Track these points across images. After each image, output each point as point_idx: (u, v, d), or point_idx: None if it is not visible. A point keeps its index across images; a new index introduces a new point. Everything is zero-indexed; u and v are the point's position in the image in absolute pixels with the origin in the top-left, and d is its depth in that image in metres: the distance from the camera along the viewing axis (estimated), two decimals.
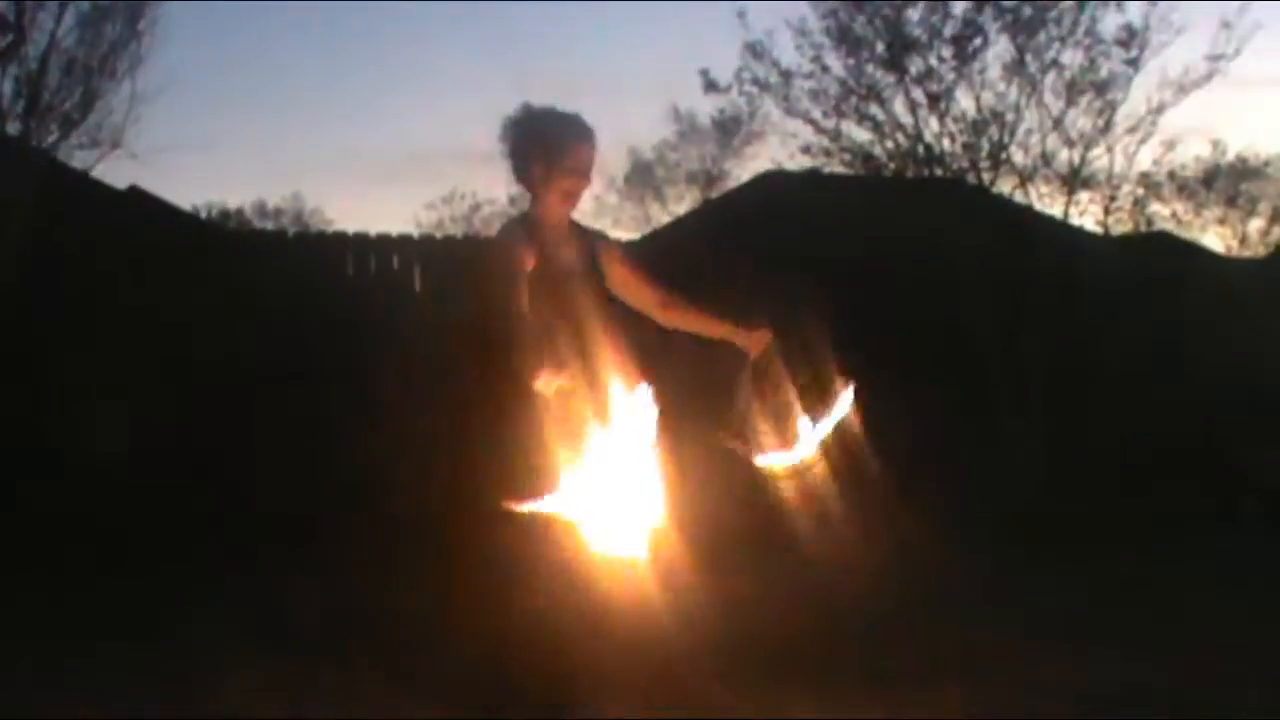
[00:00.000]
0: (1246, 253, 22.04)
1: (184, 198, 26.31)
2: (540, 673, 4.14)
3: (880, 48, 12.64)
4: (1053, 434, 9.62)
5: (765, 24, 13.04)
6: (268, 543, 7.24)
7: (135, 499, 7.33)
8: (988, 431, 9.51)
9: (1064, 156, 12.79)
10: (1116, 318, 10.30)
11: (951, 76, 12.54)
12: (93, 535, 7.03)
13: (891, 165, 12.88)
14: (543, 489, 3.77)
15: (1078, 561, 7.31)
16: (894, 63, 12.54)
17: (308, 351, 8.29)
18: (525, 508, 3.82)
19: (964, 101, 12.61)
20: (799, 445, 4.08)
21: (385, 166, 47.71)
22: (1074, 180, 12.83)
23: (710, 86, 13.76)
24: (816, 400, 4.12)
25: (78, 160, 11.68)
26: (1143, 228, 14.75)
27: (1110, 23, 12.43)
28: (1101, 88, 12.54)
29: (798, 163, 13.09)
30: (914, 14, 12.55)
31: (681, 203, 25.30)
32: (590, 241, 4.21)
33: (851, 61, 12.75)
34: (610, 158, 25.17)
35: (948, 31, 12.47)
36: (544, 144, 4.06)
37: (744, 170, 22.70)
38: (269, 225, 29.76)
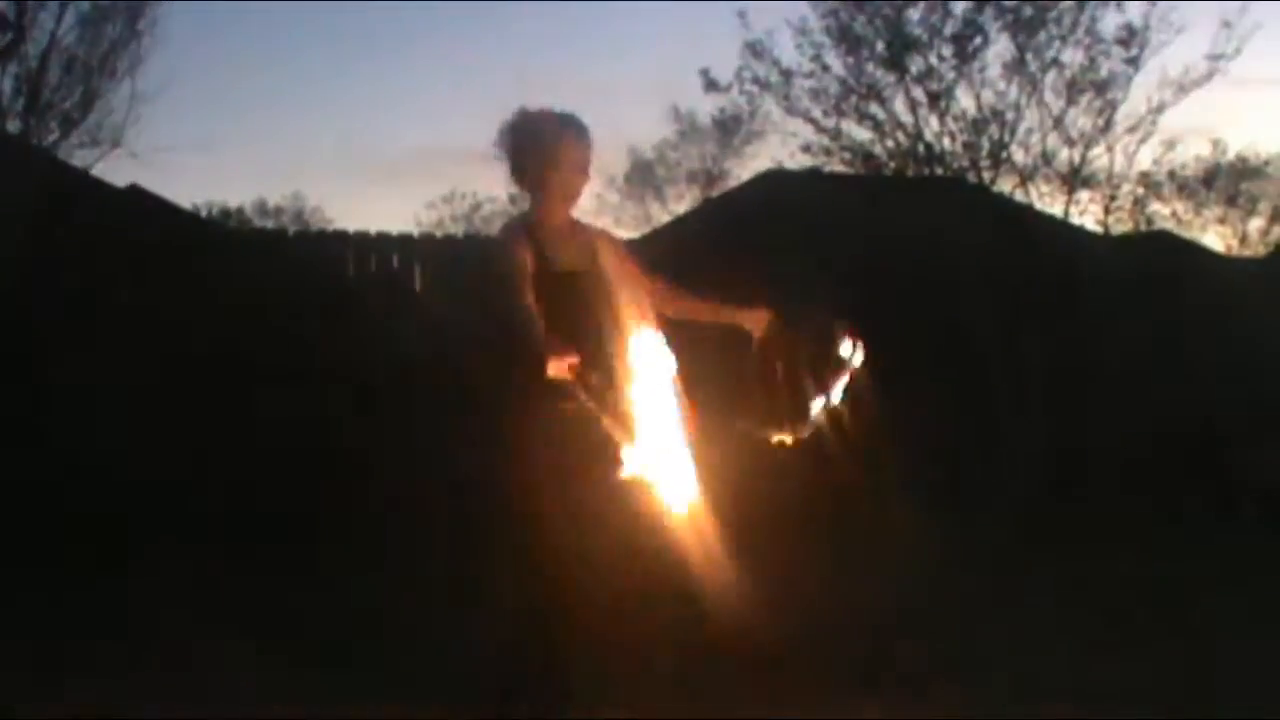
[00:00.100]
0: (1247, 252, 22.04)
1: (184, 197, 26.29)
2: (540, 672, 4.15)
3: (880, 47, 12.69)
4: (1052, 433, 9.62)
5: (766, 23, 13.12)
6: (268, 543, 7.24)
7: (135, 498, 7.33)
8: (988, 431, 9.50)
9: (1064, 156, 12.86)
10: (1116, 317, 10.29)
11: (952, 75, 12.60)
12: (93, 535, 7.03)
13: (892, 164, 12.91)
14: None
15: (1077, 561, 7.31)
16: (894, 62, 12.58)
17: (308, 350, 8.28)
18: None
19: (964, 100, 12.68)
20: (813, 416, 4.11)
21: (386, 165, 47.72)
22: (1074, 179, 12.88)
23: (711, 86, 13.82)
24: (826, 369, 4.14)
25: (78, 159, 11.73)
26: (1143, 227, 14.79)
27: (1110, 22, 12.49)
28: (1102, 87, 12.59)
29: (798, 162, 13.14)
30: (914, 13, 12.61)
31: (682, 202, 25.36)
32: (591, 239, 4.23)
33: (852, 61, 12.81)
34: (611, 157, 25.18)
35: (948, 31, 12.52)
36: (540, 143, 4.10)
37: (744, 169, 22.72)
38: (269, 224, 29.79)
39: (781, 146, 13.73)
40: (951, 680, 4.97)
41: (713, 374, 3.99)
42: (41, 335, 7.72)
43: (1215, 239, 21.67)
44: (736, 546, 4.96)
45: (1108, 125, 12.80)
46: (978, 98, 12.64)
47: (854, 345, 4.16)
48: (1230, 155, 21.93)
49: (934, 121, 12.77)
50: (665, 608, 5.46)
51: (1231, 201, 22.62)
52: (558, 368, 3.73)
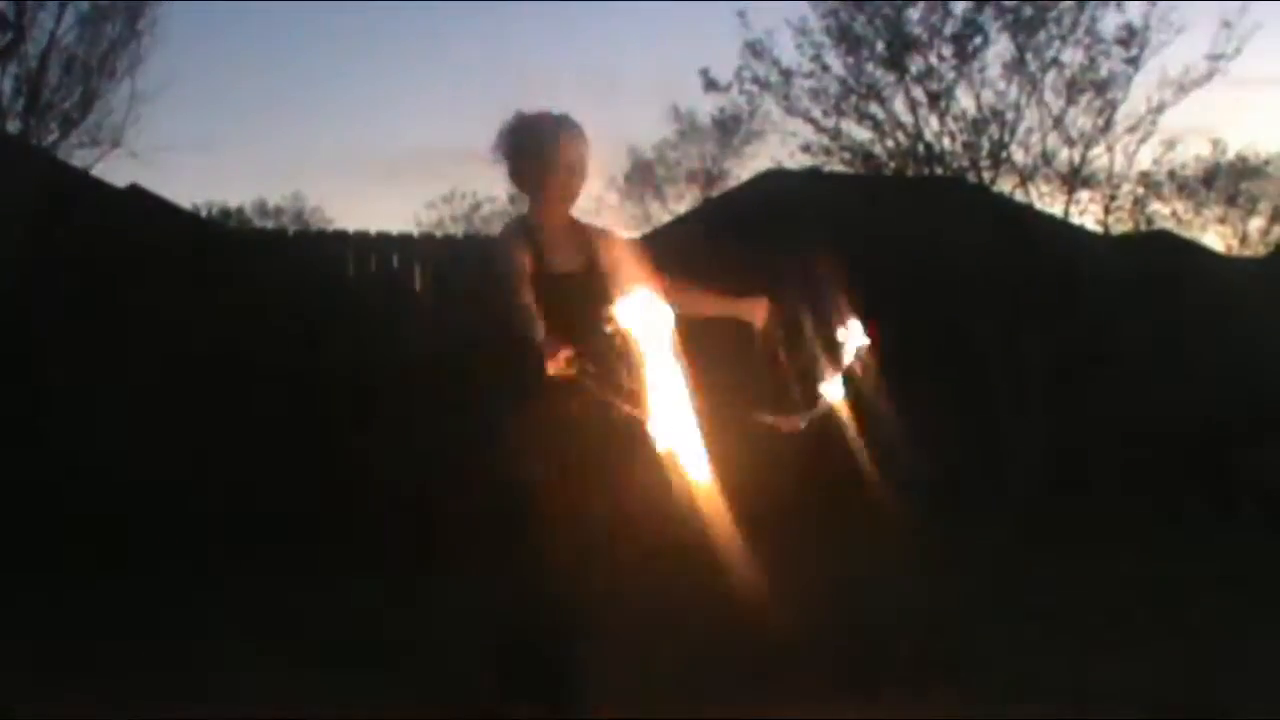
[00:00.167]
0: (1247, 252, 22.06)
1: (184, 197, 26.30)
2: (539, 671, 4.16)
3: (880, 47, 12.66)
4: (1052, 433, 9.62)
5: (765, 23, 13.06)
6: (268, 543, 7.24)
7: (135, 498, 7.32)
8: (988, 431, 9.50)
9: (1064, 155, 12.82)
10: (1116, 317, 10.29)
11: (952, 75, 12.56)
12: (93, 535, 7.03)
13: (892, 164, 12.89)
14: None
15: (1077, 560, 7.31)
16: (894, 62, 12.56)
17: (307, 350, 8.28)
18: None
19: (964, 100, 12.63)
20: (821, 401, 4.12)
21: (386, 165, 47.75)
22: (1074, 179, 12.85)
23: (710, 85, 13.78)
24: (827, 354, 4.17)
25: (78, 159, 11.73)
26: (1143, 227, 14.77)
27: (1110, 22, 12.45)
28: (1102, 87, 12.56)
29: (798, 161, 13.11)
30: (914, 13, 12.57)
31: (682, 202, 25.37)
32: (592, 239, 4.24)
33: (852, 60, 12.77)
34: (611, 157, 25.20)
35: (948, 30, 12.49)
36: (536, 146, 4.16)
37: (744, 169, 22.75)
38: (269, 224, 29.81)
39: (781, 146, 13.70)
40: (951, 680, 4.97)
41: (722, 367, 4.01)
42: (41, 335, 7.71)
43: (1215, 239, 21.71)
44: (736, 546, 4.97)
45: (1108, 125, 12.77)
46: (978, 98, 12.61)
47: (854, 328, 4.16)
48: (1230, 155, 21.96)
49: (934, 121, 12.75)
50: (672, 603, 5.50)
51: (1231, 201, 22.63)
52: (556, 365, 3.75)
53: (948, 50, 12.52)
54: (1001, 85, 12.56)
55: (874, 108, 12.87)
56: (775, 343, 4.25)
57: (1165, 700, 4.72)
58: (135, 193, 9.07)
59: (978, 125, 12.59)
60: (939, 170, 12.70)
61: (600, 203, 25.77)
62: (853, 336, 4.14)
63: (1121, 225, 14.13)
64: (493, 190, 28.79)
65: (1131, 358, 10.09)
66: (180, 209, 9.74)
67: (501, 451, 4.12)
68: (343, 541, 7.29)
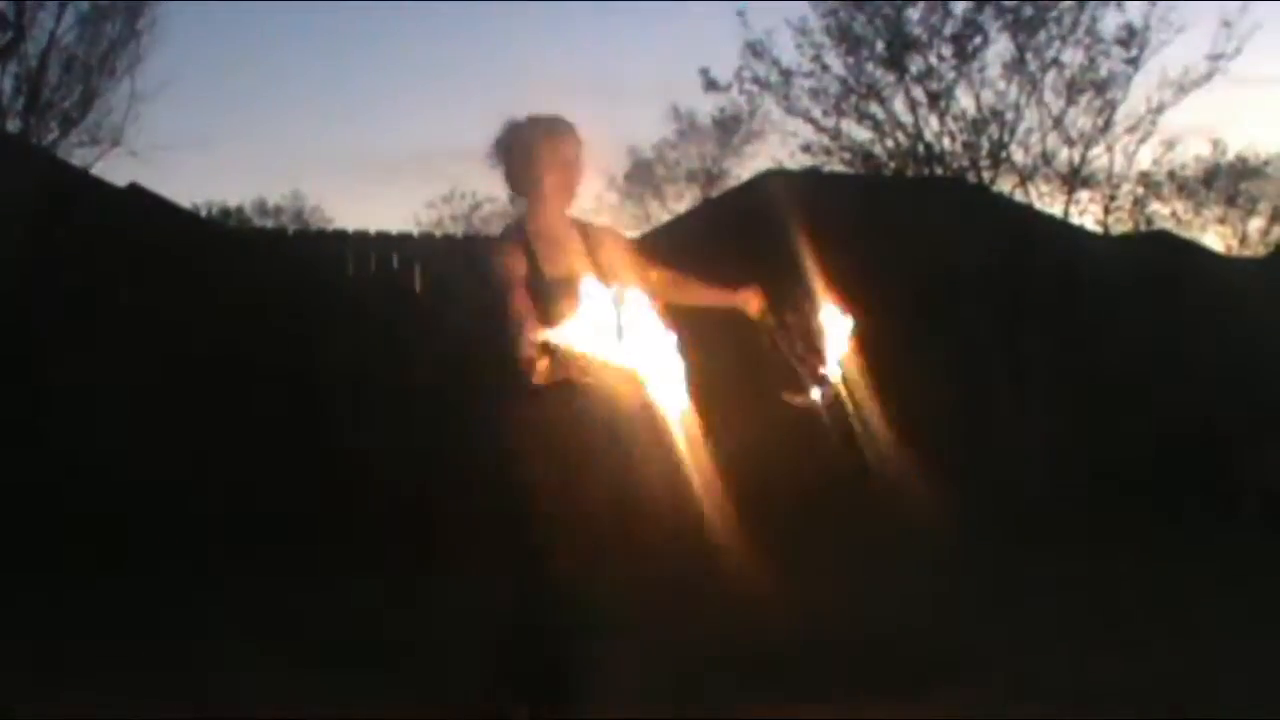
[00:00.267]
0: (1246, 252, 22.04)
1: (184, 196, 26.31)
2: (539, 672, 4.16)
3: (880, 47, 12.70)
4: (1052, 433, 9.61)
5: (765, 23, 13.15)
6: (268, 543, 7.24)
7: (135, 498, 7.32)
8: (987, 431, 9.50)
9: (1064, 155, 12.87)
10: (1116, 317, 10.29)
11: (951, 75, 12.62)
12: (93, 535, 7.03)
13: (891, 164, 12.92)
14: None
15: (1077, 561, 7.31)
16: (894, 62, 12.59)
17: (307, 350, 8.28)
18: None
19: (964, 100, 12.69)
20: (816, 388, 4.19)
21: (385, 165, 47.71)
22: (1074, 179, 12.89)
23: (710, 85, 13.83)
24: (813, 340, 4.24)
25: (77, 158, 11.74)
26: (1143, 227, 14.80)
27: (1110, 22, 12.51)
28: (1101, 87, 12.60)
29: (798, 161, 13.15)
30: (914, 13, 12.61)
31: (681, 201, 25.36)
32: (590, 238, 4.26)
33: (851, 60, 12.82)
34: (610, 157, 25.19)
35: (948, 30, 12.53)
36: (527, 147, 4.20)
37: (744, 169, 22.72)
38: (269, 223, 29.78)
39: (781, 146, 13.76)
40: (951, 680, 4.97)
41: (729, 357, 4.02)
42: (41, 334, 7.71)
43: (1215, 239, 21.70)
44: (735, 546, 4.97)
45: (1107, 125, 12.83)
46: (977, 97, 12.67)
47: (835, 312, 4.20)
48: (1230, 155, 21.95)
49: (934, 121, 12.80)
50: (673, 603, 5.50)
51: (1231, 201, 22.61)
52: (540, 377, 3.76)
53: (947, 50, 12.56)
54: (1001, 85, 12.62)
55: (874, 108, 12.91)
56: (771, 332, 4.26)
57: (1165, 700, 4.72)
58: (135, 191, 9.06)
59: (977, 125, 12.63)
60: (939, 170, 12.72)
61: (600, 202, 25.82)
62: (837, 325, 4.18)
63: (1121, 225, 14.17)
64: (492, 190, 28.67)
65: (1131, 358, 10.09)
66: (180, 208, 9.73)
67: (499, 452, 4.13)
68: (343, 541, 7.29)
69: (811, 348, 4.21)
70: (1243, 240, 23.06)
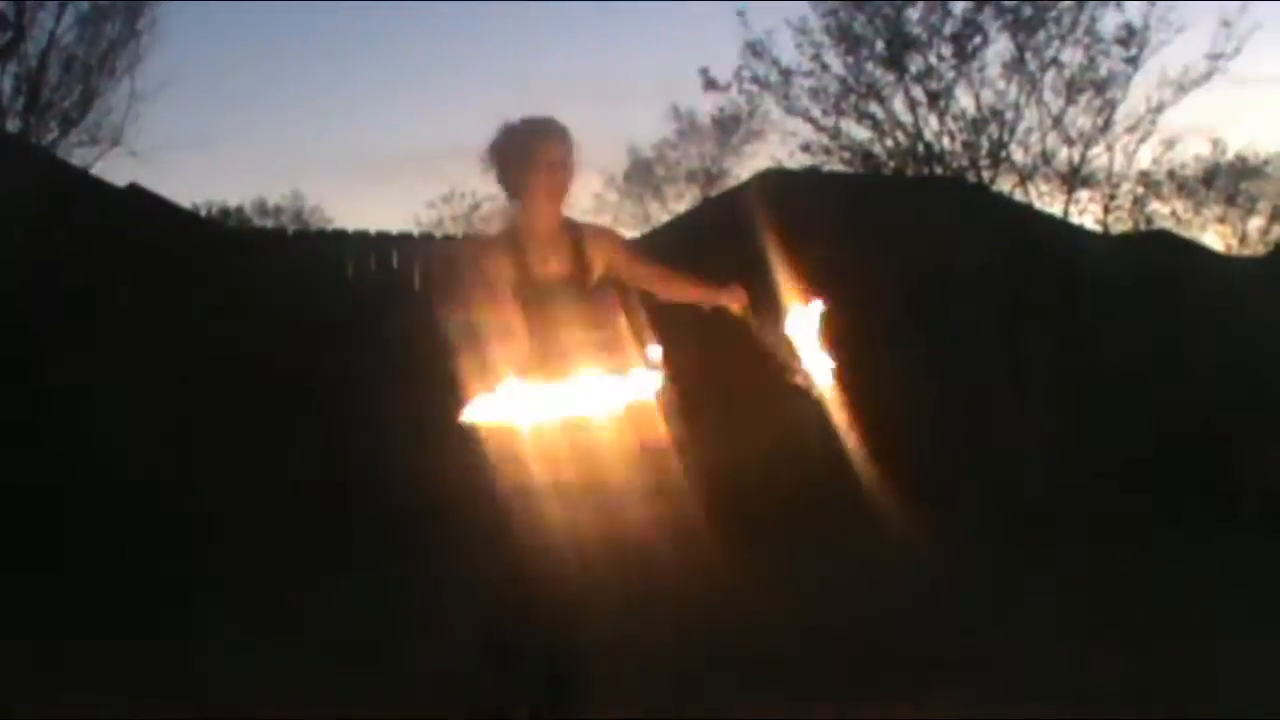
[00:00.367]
0: (1246, 251, 22.04)
1: (183, 195, 26.30)
2: (534, 671, 4.18)
3: (880, 46, 12.68)
4: (1052, 432, 9.62)
5: (765, 23, 13.12)
6: (267, 542, 7.24)
7: (135, 497, 7.32)
8: (988, 430, 9.51)
9: (1064, 155, 12.85)
10: (1116, 316, 10.29)
11: (951, 75, 12.59)
12: (92, 534, 7.03)
13: (891, 163, 12.91)
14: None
15: (1077, 560, 7.31)
16: (894, 61, 12.58)
17: (307, 349, 8.28)
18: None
19: (964, 100, 12.67)
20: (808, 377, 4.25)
21: (385, 165, 47.63)
22: (1074, 179, 12.87)
23: (710, 85, 13.81)
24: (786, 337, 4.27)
25: (77, 158, 11.72)
26: (1142, 226, 14.80)
27: (1110, 22, 12.49)
28: (1101, 86, 12.58)
29: (797, 161, 13.14)
30: (914, 13, 12.59)
31: (681, 201, 25.31)
32: (582, 239, 4.31)
33: (851, 60, 12.80)
34: (610, 156, 25.20)
35: (947, 30, 12.51)
36: (516, 149, 4.24)
37: (744, 168, 22.70)
38: (269, 223, 29.73)
39: (781, 145, 13.74)
40: (951, 680, 4.96)
41: (724, 358, 4.05)
42: (40, 334, 7.71)
43: (1215, 238, 21.71)
44: (735, 546, 4.97)
45: (1107, 125, 12.80)
46: (977, 97, 12.64)
47: (800, 311, 4.25)
48: (1230, 155, 21.96)
49: (933, 121, 12.78)
50: (672, 603, 5.49)
51: (1231, 201, 22.61)
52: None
53: (947, 50, 12.54)
54: (1001, 85, 12.60)
55: (873, 107, 12.90)
56: (755, 329, 4.31)
57: (1165, 700, 4.72)
58: (135, 191, 9.07)
59: (977, 125, 12.62)
60: (938, 170, 12.71)
61: (600, 202, 25.81)
62: (803, 322, 4.22)
63: (1121, 225, 14.17)
64: (492, 190, 28.56)
65: (1131, 357, 10.09)
66: (179, 208, 9.75)
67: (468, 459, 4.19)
68: (343, 540, 7.29)
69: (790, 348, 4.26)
70: (1242, 240, 23.07)
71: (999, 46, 12.54)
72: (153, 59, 11.36)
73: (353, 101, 47.10)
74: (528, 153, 4.21)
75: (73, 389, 7.46)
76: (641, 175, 26.89)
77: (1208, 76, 12.68)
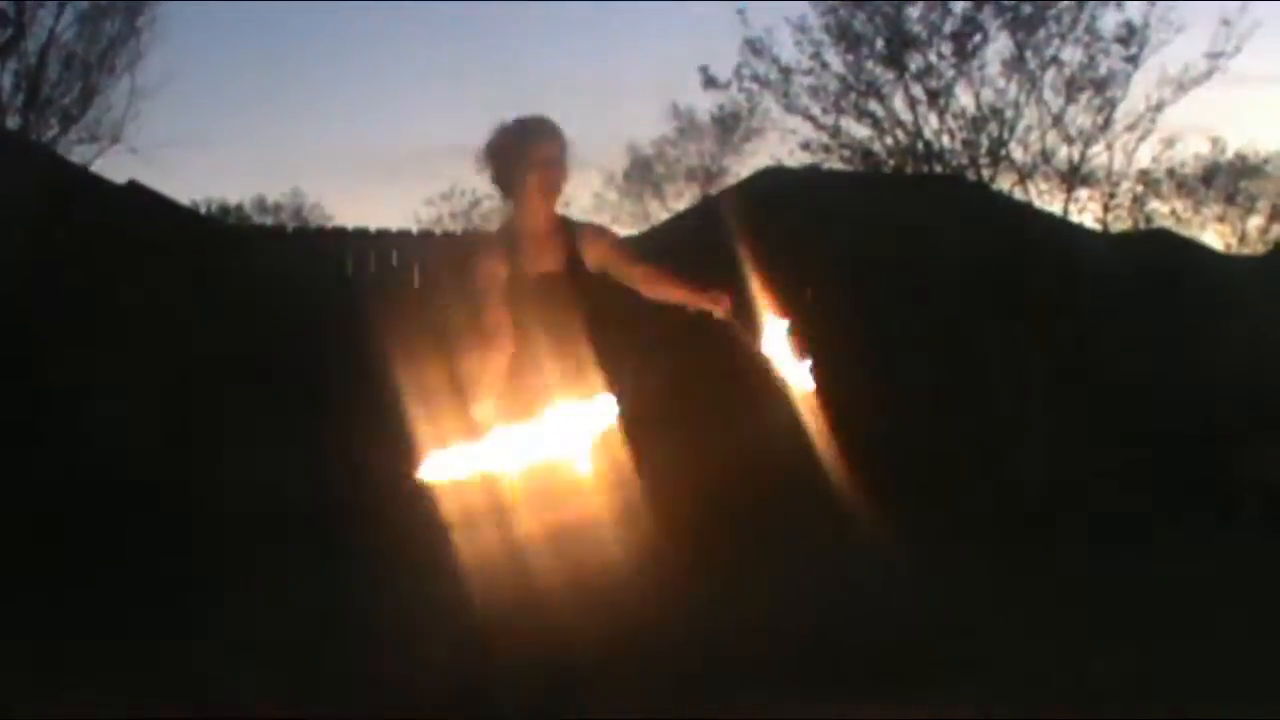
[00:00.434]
0: (1246, 250, 22.01)
1: (183, 193, 26.29)
2: (525, 671, 4.19)
3: (880, 44, 12.63)
4: (1052, 432, 9.61)
5: (765, 21, 13.02)
6: (268, 541, 7.23)
7: (134, 497, 7.32)
8: (987, 429, 9.50)
9: (1063, 153, 12.78)
10: (1116, 315, 10.29)
11: (951, 73, 12.53)
12: (93, 535, 7.02)
13: (891, 162, 12.87)
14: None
15: (1077, 561, 7.31)
16: (894, 59, 12.53)
17: (307, 347, 8.28)
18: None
19: (963, 98, 12.60)
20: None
21: (385, 163, 47.50)
22: (1073, 177, 12.82)
23: (710, 83, 13.74)
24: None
25: (77, 155, 11.69)
26: (1142, 225, 14.74)
27: (1110, 20, 12.43)
28: (1101, 85, 12.53)
29: (797, 159, 13.08)
30: (914, 11, 12.55)
31: (681, 199, 25.24)
32: (575, 236, 4.37)
33: (851, 58, 12.74)
34: (609, 154, 25.15)
35: (947, 28, 12.46)
36: (508, 145, 4.33)
37: (743, 167, 22.61)
38: (268, 221, 29.65)
39: (780, 144, 13.66)
40: (952, 680, 4.96)
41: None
42: (41, 332, 7.71)
43: (1214, 237, 21.65)
44: (734, 547, 4.97)
45: (1107, 123, 12.73)
46: (977, 95, 12.58)
47: (768, 325, 4.28)
48: (1229, 153, 21.88)
49: (933, 119, 12.72)
50: (672, 603, 5.49)
51: (1230, 199, 22.56)
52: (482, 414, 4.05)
53: (947, 48, 12.49)
54: (1001, 83, 12.53)
55: (873, 105, 12.84)
56: (739, 333, 4.34)
57: (1165, 700, 4.72)
58: (134, 189, 9.06)
59: (977, 123, 12.57)
60: (938, 168, 12.68)
61: (600, 200, 25.76)
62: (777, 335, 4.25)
63: (1120, 223, 14.11)
64: (491, 188, 28.57)
65: (1131, 356, 10.09)
66: (179, 205, 9.75)
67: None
68: (343, 540, 7.28)
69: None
70: (1242, 238, 23.01)
71: (999, 45, 12.49)
72: (153, 56, 11.33)
73: (353, 99, 46.97)
74: (520, 151, 4.29)
75: (73, 388, 7.46)
76: (641, 173, 26.83)
77: (1208, 75, 12.62)
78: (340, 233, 9.76)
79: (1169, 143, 14.29)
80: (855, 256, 9.61)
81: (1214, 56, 12.46)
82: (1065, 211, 12.60)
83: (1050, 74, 12.45)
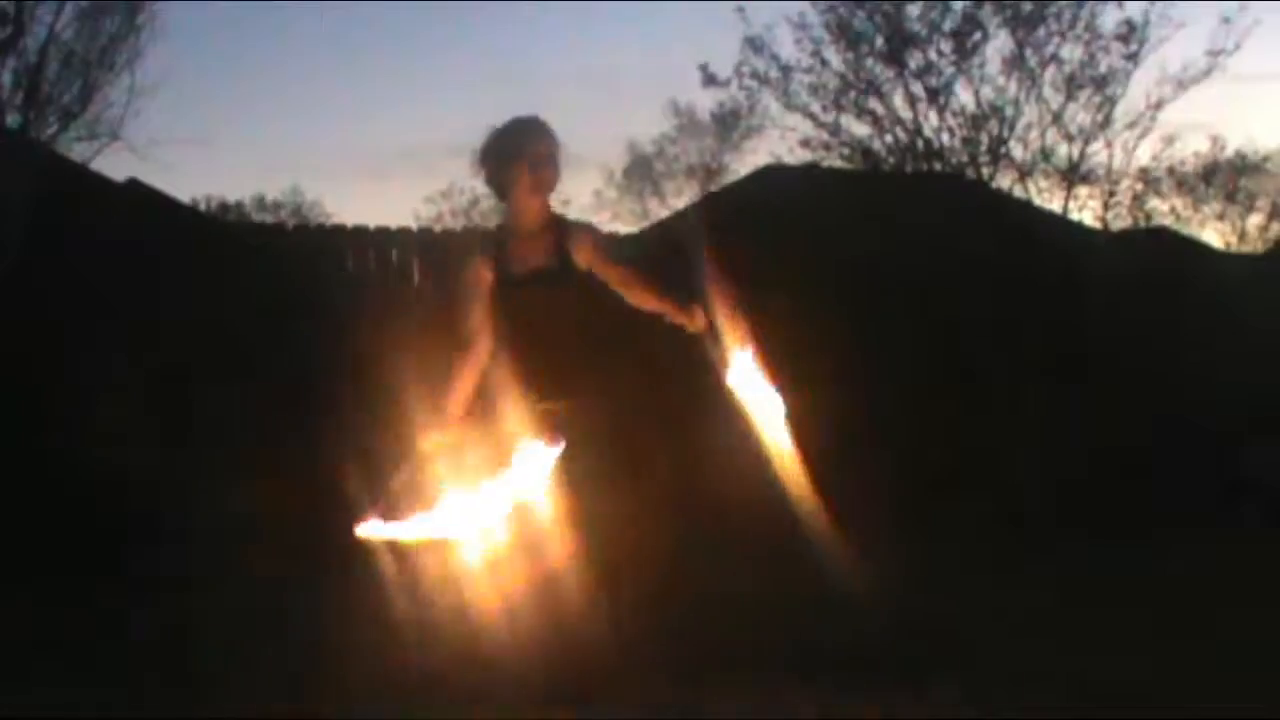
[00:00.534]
0: (1245, 248, 22.03)
1: (183, 191, 26.25)
2: (516, 672, 4.21)
3: (880, 42, 12.67)
4: (1052, 431, 9.61)
5: (765, 18, 13.09)
6: (267, 541, 7.22)
7: (134, 499, 7.31)
8: (986, 429, 9.50)
9: (1063, 151, 12.84)
10: (1115, 314, 10.28)
11: (951, 71, 12.59)
12: (92, 536, 7.01)
13: (890, 159, 12.90)
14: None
15: (1077, 560, 7.31)
16: (893, 57, 12.57)
17: (307, 345, 8.28)
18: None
19: (963, 96, 12.66)
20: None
21: (384, 160, 47.53)
22: (1073, 175, 12.86)
23: (710, 80, 13.79)
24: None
25: (77, 153, 11.68)
26: (1142, 223, 14.76)
27: (1110, 18, 12.48)
28: (1101, 83, 12.57)
29: (797, 157, 13.13)
30: (914, 8, 12.58)
31: (680, 197, 25.27)
32: (567, 235, 4.44)
33: (851, 56, 12.79)
34: (609, 151, 25.19)
35: (947, 26, 12.50)
36: (500, 145, 4.42)
37: (743, 164, 22.65)
38: (268, 219, 29.65)
39: (780, 141, 13.73)
40: (951, 680, 4.96)
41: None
42: (40, 330, 7.70)
43: (1214, 235, 21.68)
44: (732, 546, 4.97)
45: (1107, 121, 12.78)
46: (977, 93, 12.63)
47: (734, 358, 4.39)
48: (1229, 151, 21.89)
49: (933, 117, 12.77)
50: (672, 603, 5.50)
51: (1230, 198, 22.58)
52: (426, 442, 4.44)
53: (947, 46, 12.54)
54: (1001, 81, 12.58)
55: (873, 103, 12.89)
56: (710, 349, 4.44)
57: (1165, 700, 4.72)
58: (134, 186, 9.06)
59: (977, 121, 12.61)
60: (938, 166, 12.71)
61: (599, 198, 25.80)
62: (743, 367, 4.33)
63: (1120, 221, 14.14)
64: (488, 190, 28.57)
65: (1130, 355, 10.08)
66: (179, 203, 9.74)
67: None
68: (343, 539, 7.26)
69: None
70: (1242, 237, 23.04)
71: (999, 43, 12.55)
72: (152, 54, 11.32)
73: (352, 97, 47.02)
74: (511, 150, 4.37)
75: (72, 385, 7.45)
76: (641, 171, 26.85)
77: (1207, 73, 12.68)
78: (340, 230, 9.76)
79: (1169, 140, 14.34)
80: (854, 254, 9.59)
81: (1214, 54, 12.51)
82: (1065, 209, 12.64)
83: (1050, 72, 12.50)
